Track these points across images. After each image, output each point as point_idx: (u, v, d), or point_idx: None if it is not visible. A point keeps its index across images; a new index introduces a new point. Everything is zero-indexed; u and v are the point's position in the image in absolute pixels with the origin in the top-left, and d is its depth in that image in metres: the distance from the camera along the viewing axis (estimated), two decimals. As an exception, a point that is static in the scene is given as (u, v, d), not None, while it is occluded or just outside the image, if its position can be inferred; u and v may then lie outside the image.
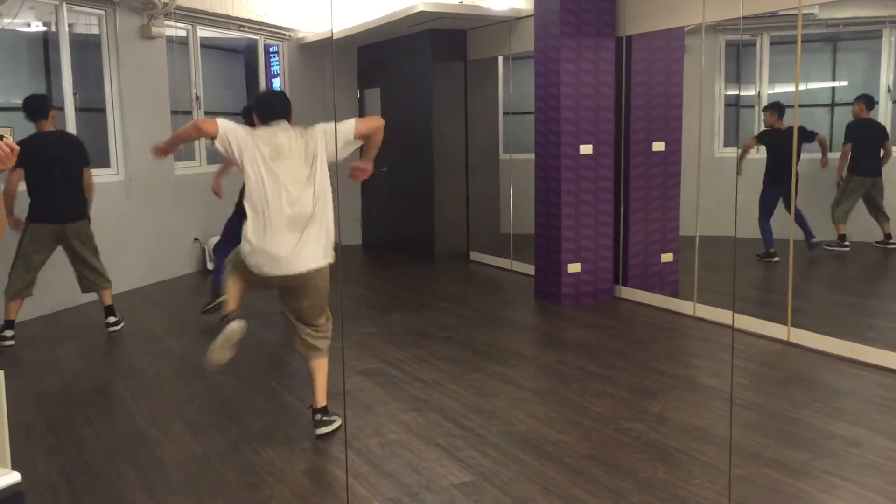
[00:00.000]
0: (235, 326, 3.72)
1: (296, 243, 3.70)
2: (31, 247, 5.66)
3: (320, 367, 3.94)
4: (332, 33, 9.58)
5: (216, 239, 8.27)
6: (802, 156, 7.17)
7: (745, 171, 8.09)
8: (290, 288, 3.82)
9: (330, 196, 3.82)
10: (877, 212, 7.77)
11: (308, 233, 3.72)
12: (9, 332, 5.66)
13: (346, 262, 9.06)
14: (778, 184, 7.49)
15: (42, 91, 7.22)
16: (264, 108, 3.90)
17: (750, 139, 7.87)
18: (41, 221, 5.66)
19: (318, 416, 3.92)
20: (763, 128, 7.83)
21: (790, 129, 7.55)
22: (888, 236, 7.81)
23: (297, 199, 3.71)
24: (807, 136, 7.32)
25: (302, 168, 3.75)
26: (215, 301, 5.70)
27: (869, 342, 4.98)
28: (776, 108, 7.83)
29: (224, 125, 3.69)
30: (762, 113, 7.91)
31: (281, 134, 3.79)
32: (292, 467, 3.59)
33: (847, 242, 7.83)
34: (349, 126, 3.84)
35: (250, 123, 3.99)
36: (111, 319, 5.95)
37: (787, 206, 7.60)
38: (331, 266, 3.84)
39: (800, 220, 7.47)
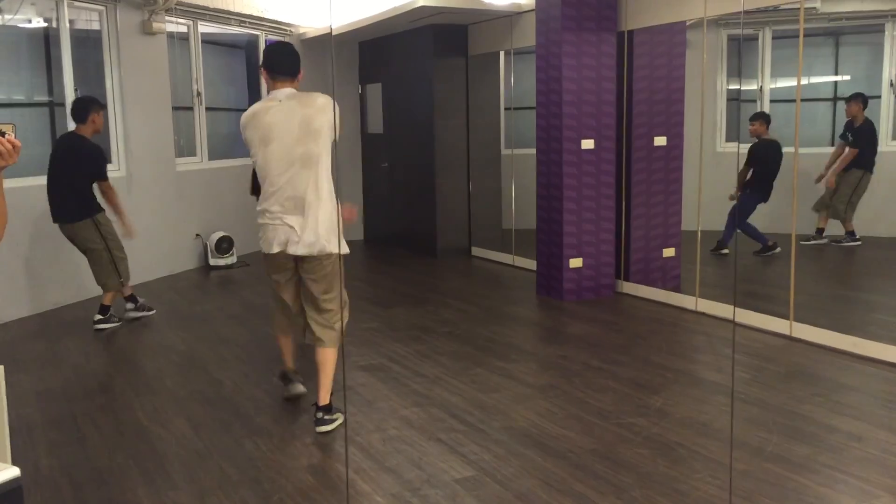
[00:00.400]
0: (298, 392, 4.25)
1: (291, 227, 3.74)
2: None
3: (326, 363, 3.92)
4: (332, 29, 9.56)
5: (218, 234, 8.29)
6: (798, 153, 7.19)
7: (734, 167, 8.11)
8: (303, 268, 3.91)
9: (328, 181, 3.80)
10: (853, 207, 7.80)
11: (305, 218, 3.73)
12: (130, 305, 6.16)
13: (348, 257, 9.04)
14: (758, 193, 7.56)
15: (43, 87, 7.23)
16: (270, 64, 3.87)
17: (742, 169, 7.82)
18: (54, 220, 5.85)
19: (320, 415, 3.92)
20: (750, 138, 7.82)
21: (774, 142, 7.64)
22: (821, 231, 7.91)
23: (287, 183, 3.71)
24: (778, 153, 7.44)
25: (295, 148, 3.71)
26: None
27: (872, 337, 4.98)
28: (762, 117, 7.81)
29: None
30: (748, 123, 7.90)
31: (275, 110, 3.74)
32: (294, 463, 3.59)
33: (858, 237, 7.84)
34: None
35: None
36: (97, 317, 5.96)
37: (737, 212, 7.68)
38: (330, 254, 3.85)
39: (749, 227, 7.59)
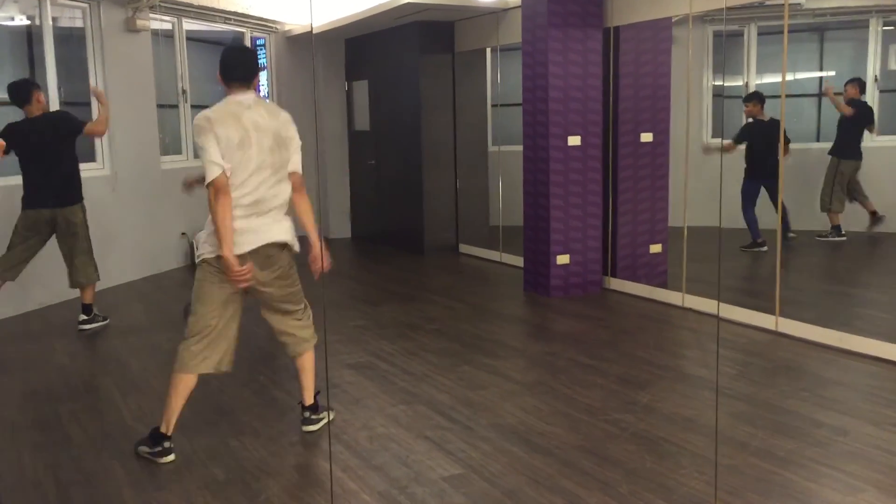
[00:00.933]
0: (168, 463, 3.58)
1: (264, 223, 3.57)
2: (22, 232, 5.65)
3: (307, 364, 3.89)
4: (312, 27, 9.53)
5: (203, 233, 8.23)
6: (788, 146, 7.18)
7: (728, 161, 8.10)
8: (265, 273, 3.63)
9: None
10: (860, 194, 7.82)
11: (277, 215, 3.62)
12: None
13: (335, 255, 9.00)
14: (759, 177, 7.53)
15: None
16: (227, 70, 3.62)
17: (728, 143, 7.80)
18: (32, 207, 5.64)
19: (307, 414, 3.90)
20: (746, 119, 7.82)
21: (772, 120, 7.60)
22: (875, 214, 7.86)
23: (264, 186, 3.55)
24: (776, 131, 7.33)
25: (271, 154, 3.56)
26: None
27: (857, 331, 5.00)
28: (757, 98, 7.81)
29: (213, 167, 3.45)
30: (743, 104, 7.90)
31: (249, 114, 3.55)
32: (281, 462, 3.58)
33: (844, 232, 7.87)
34: (295, 161, 3.65)
35: None
36: (82, 318, 5.89)
37: (772, 199, 7.62)
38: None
39: (783, 213, 7.51)
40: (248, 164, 3.52)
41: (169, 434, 3.61)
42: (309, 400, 3.90)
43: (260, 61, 9.46)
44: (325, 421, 3.92)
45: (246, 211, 3.55)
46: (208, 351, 3.60)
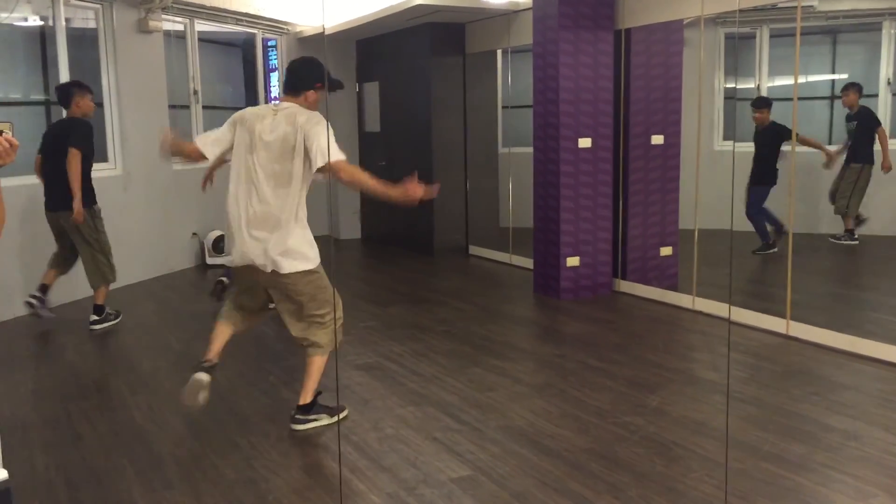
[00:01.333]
0: (199, 381, 3.79)
1: (260, 241, 3.63)
2: (54, 233, 5.86)
3: (310, 366, 3.88)
4: (325, 28, 9.55)
5: (216, 233, 8.28)
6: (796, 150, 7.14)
7: (739, 164, 8.08)
8: (271, 286, 3.81)
9: (299, 204, 3.69)
10: (856, 202, 7.77)
11: (273, 235, 3.63)
12: (37, 294, 5.88)
13: (345, 256, 9.05)
14: (762, 182, 7.53)
15: (40, 86, 7.22)
16: (285, 78, 3.87)
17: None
18: (47, 210, 5.79)
19: (294, 412, 3.93)
20: (754, 126, 7.80)
21: (773, 124, 7.61)
22: (859, 220, 7.83)
23: (263, 199, 3.61)
24: (785, 133, 7.24)
25: (274, 164, 3.61)
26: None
27: (869, 335, 4.97)
28: (765, 103, 7.77)
29: (208, 137, 3.77)
30: (752, 111, 7.84)
31: (268, 121, 3.65)
32: (290, 462, 3.59)
33: (857, 236, 7.83)
34: (324, 155, 3.61)
35: None
36: (93, 318, 5.92)
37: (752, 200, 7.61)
38: (310, 271, 3.74)
39: (769, 217, 7.53)
40: (248, 169, 3.63)
41: (210, 361, 3.87)
42: (302, 400, 3.92)
43: (271, 63, 9.49)
44: (317, 423, 3.93)
45: (251, 223, 3.63)
46: (236, 311, 4.03)
